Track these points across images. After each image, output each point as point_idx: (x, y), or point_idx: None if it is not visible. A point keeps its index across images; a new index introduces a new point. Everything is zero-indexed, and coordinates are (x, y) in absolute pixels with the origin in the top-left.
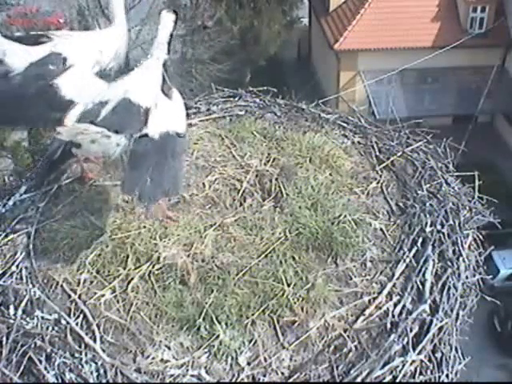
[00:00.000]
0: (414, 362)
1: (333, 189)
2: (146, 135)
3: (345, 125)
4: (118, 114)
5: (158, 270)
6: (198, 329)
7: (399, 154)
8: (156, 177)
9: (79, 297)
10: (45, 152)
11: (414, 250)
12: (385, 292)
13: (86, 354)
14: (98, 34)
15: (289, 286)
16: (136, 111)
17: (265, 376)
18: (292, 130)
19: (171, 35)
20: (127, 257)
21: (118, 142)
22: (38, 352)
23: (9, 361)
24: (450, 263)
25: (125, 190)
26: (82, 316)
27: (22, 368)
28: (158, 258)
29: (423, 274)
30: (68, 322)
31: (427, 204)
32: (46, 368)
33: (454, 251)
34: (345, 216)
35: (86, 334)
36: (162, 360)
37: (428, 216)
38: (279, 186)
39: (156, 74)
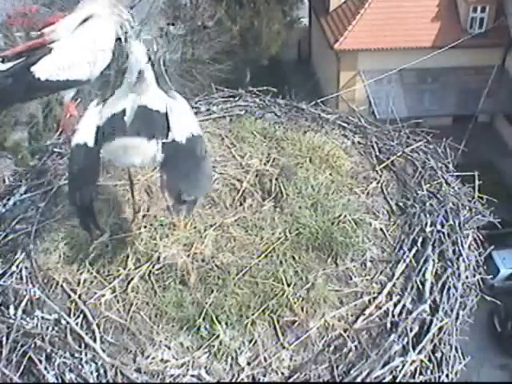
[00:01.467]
0: (414, 361)
1: (333, 189)
2: (174, 140)
3: (345, 125)
4: (144, 121)
5: (157, 270)
6: (198, 329)
7: (399, 153)
8: (193, 178)
9: (79, 297)
10: (45, 153)
11: (414, 250)
12: (385, 292)
13: (86, 354)
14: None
15: (289, 286)
16: (157, 117)
17: (265, 376)
18: (292, 130)
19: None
20: (127, 257)
21: (153, 148)
22: (38, 352)
23: (9, 361)
24: (449, 263)
25: (168, 192)
26: (81, 316)
27: (22, 368)
28: (158, 257)
29: (423, 274)
30: (68, 322)
31: (427, 204)
32: (46, 368)
33: (454, 251)
34: (345, 216)
35: (86, 334)
36: (162, 360)
37: (428, 216)
38: (279, 186)
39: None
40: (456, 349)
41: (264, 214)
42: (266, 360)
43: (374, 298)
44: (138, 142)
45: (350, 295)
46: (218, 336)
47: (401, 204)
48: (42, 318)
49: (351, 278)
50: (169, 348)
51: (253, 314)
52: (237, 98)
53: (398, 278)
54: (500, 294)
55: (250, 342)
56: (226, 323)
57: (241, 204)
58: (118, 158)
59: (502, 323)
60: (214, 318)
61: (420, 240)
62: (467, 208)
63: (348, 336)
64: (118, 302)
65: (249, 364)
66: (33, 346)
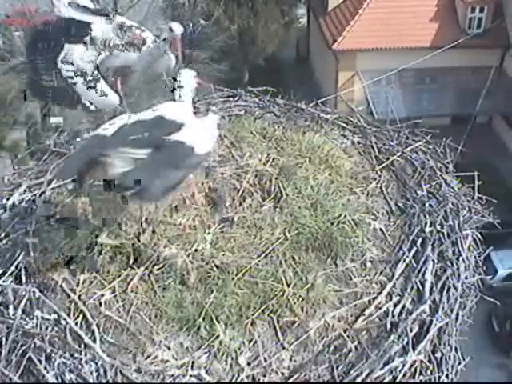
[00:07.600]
0: (414, 362)
1: (333, 189)
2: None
3: (344, 125)
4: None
5: (158, 270)
6: (198, 329)
7: (399, 154)
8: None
9: (79, 297)
10: (45, 153)
11: (413, 250)
12: (385, 292)
13: (85, 354)
14: None
15: (289, 286)
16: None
17: (265, 376)
18: (291, 130)
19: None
20: (127, 257)
21: None
22: (38, 352)
23: (9, 361)
24: (449, 263)
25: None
26: (81, 316)
27: (21, 368)
28: (158, 257)
29: (423, 274)
30: (67, 322)
31: (427, 204)
32: (45, 368)
33: (453, 251)
34: (345, 216)
35: (86, 334)
36: (162, 360)
37: (428, 216)
38: (279, 186)
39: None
40: (456, 349)
41: (264, 214)
42: (265, 360)
43: (374, 299)
44: None
45: (349, 295)
46: (217, 336)
47: (400, 204)
48: (42, 318)
49: (351, 279)
50: (169, 348)
51: (253, 314)
52: (236, 98)
53: (397, 279)
54: (498, 294)
55: (250, 342)
56: (226, 323)
57: (240, 204)
58: None
59: (500, 323)
60: (214, 318)
61: (420, 240)
62: (466, 208)
63: (348, 336)
64: (117, 301)
65: (249, 364)
66: (32, 346)
